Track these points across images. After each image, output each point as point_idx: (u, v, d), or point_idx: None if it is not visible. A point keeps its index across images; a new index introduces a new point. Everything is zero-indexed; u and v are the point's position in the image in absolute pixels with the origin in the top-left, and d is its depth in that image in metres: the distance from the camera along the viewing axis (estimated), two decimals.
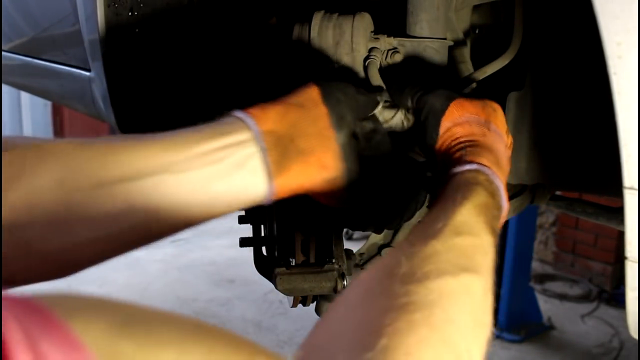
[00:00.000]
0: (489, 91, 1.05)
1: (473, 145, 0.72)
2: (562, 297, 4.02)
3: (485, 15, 1.06)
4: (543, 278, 4.28)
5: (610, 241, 4.14)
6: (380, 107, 0.77)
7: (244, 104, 0.67)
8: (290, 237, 0.87)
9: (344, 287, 0.86)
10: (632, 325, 0.73)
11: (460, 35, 1.02)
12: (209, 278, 4.10)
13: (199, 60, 1.20)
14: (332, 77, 0.81)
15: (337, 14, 0.88)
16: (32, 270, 0.53)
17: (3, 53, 1.99)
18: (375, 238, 1.09)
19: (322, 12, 0.89)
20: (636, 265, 0.68)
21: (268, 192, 0.63)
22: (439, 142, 0.75)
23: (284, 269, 0.85)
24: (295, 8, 1.01)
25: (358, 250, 1.07)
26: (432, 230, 0.57)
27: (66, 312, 0.30)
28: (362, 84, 0.80)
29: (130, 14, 1.11)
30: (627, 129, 0.62)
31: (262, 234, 0.93)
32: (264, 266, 0.91)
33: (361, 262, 1.06)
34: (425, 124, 0.76)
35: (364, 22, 0.87)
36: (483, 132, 0.74)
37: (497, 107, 0.78)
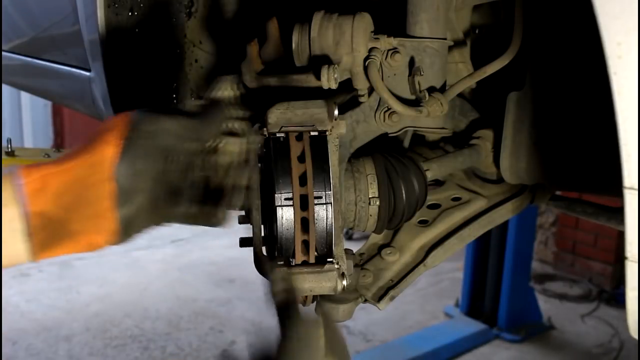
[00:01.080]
0: (489, 91, 1.05)
1: None
2: (562, 297, 4.02)
3: (485, 15, 1.06)
4: (543, 278, 4.28)
5: (610, 241, 4.14)
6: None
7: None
8: (290, 237, 0.87)
9: (344, 287, 0.85)
10: (632, 325, 0.73)
11: (460, 35, 1.02)
12: (209, 278, 4.10)
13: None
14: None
15: (337, 14, 0.88)
16: None
17: (3, 53, 1.99)
18: (375, 238, 1.09)
19: (322, 12, 0.89)
20: (636, 265, 0.68)
21: (29, 260, 0.63)
22: None
23: (284, 269, 0.85)
24: (295, 8, 1.01)
25: (358, 250, 1.07)
26: None
27: None
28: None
29: (130, 14, 1.11)
30: (627, 129, 0.62)
31: (262, 234, 0.93)
32: (264, 266, 0.90)
33: (361, 262, 1.06)
34: None
35: (364, 22, 0.87)
36: None
37: None
